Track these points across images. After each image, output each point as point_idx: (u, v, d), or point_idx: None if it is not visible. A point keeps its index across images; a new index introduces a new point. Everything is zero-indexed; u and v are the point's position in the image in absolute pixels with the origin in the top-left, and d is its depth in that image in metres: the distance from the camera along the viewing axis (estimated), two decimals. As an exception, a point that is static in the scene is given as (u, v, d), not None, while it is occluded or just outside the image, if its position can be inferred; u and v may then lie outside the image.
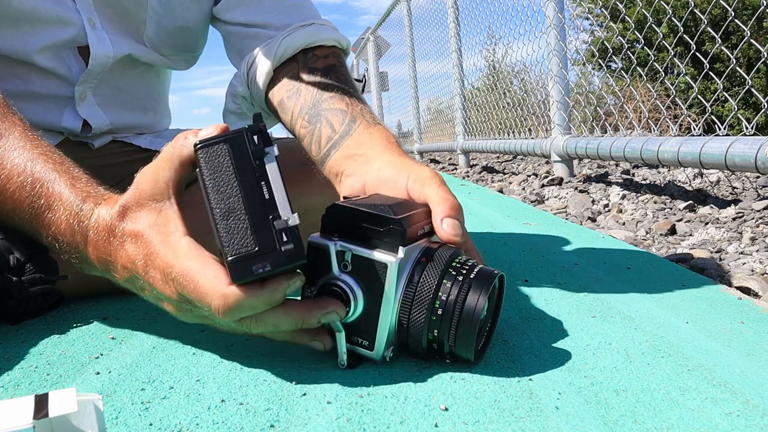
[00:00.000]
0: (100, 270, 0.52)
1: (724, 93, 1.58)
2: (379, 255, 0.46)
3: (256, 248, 0.42)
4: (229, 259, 0.42)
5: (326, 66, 0.74)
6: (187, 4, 0.82)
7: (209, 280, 0.44)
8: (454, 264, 0.48)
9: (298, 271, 0.45)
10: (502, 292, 0.51)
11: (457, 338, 0.46)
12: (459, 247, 0.51)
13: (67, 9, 0.75)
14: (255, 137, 0.44)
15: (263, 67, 0.74)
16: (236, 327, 0.46)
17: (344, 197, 0.50)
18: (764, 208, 1.30)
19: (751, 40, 1.46)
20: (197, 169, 0.46)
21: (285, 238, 0.42)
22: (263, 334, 0.47)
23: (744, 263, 0.92)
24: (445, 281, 0.47)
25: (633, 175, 2.13)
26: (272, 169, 0.44)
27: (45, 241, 0.55)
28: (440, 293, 0.46)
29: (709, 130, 2.29)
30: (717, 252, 1.02)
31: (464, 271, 0.47)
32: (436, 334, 0.47)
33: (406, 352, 0.50)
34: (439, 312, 0.46)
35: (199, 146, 0.45)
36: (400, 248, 0.46)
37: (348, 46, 0.79)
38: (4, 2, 0.70)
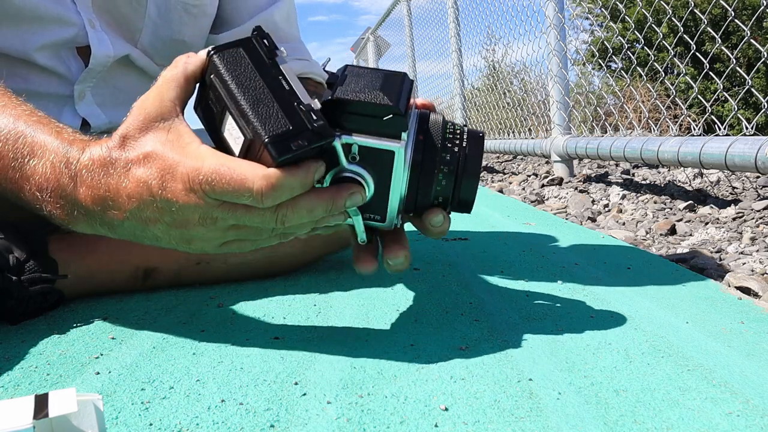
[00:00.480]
0: (95, 212, 0.49)
1: (724, 93, 1.58)
2: (384, 143, 0.49)
3: (291, 127, 0.45)
4: (267, 139, 0.44)
5: (316, 91, 0.78)
6: (186, 18, 0.83)
7: (246, 167, 0.44)
8: (447, 136, 0.52)
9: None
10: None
11: (461, 195, 0.52)
12: None
13: (67, 9, 0.75)
14: (264, 41, 0.48)
15: None
16: (270, 221, 0.46)
17: (327, 83, 0.52)
18: (764, 208, 1.30)
19: (751, 40, 1.46)
20: (211, 76, 0.48)
21: (314, 117, 0.46)
22: (294, 227, 0.48)
23: (744, 263, 0.92)
24: (444, 154, 0.51)
25: (633, 175, 2.13)
26: (285, 68, 0.48)
27: (27, 196, 0.51)
28: (442, 167, 0.51)
29: (709, 130, 2.29)
30: (717, 252, 1.02)
31: (457, 141, 0.52)
32: (440, 200, 0.52)
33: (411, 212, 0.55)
34: (443, 183, 0.51)
35: (213, 52, 0.48)
36: (403, 134, 0.49)
37: None
38: (5, 1, 0.70)
